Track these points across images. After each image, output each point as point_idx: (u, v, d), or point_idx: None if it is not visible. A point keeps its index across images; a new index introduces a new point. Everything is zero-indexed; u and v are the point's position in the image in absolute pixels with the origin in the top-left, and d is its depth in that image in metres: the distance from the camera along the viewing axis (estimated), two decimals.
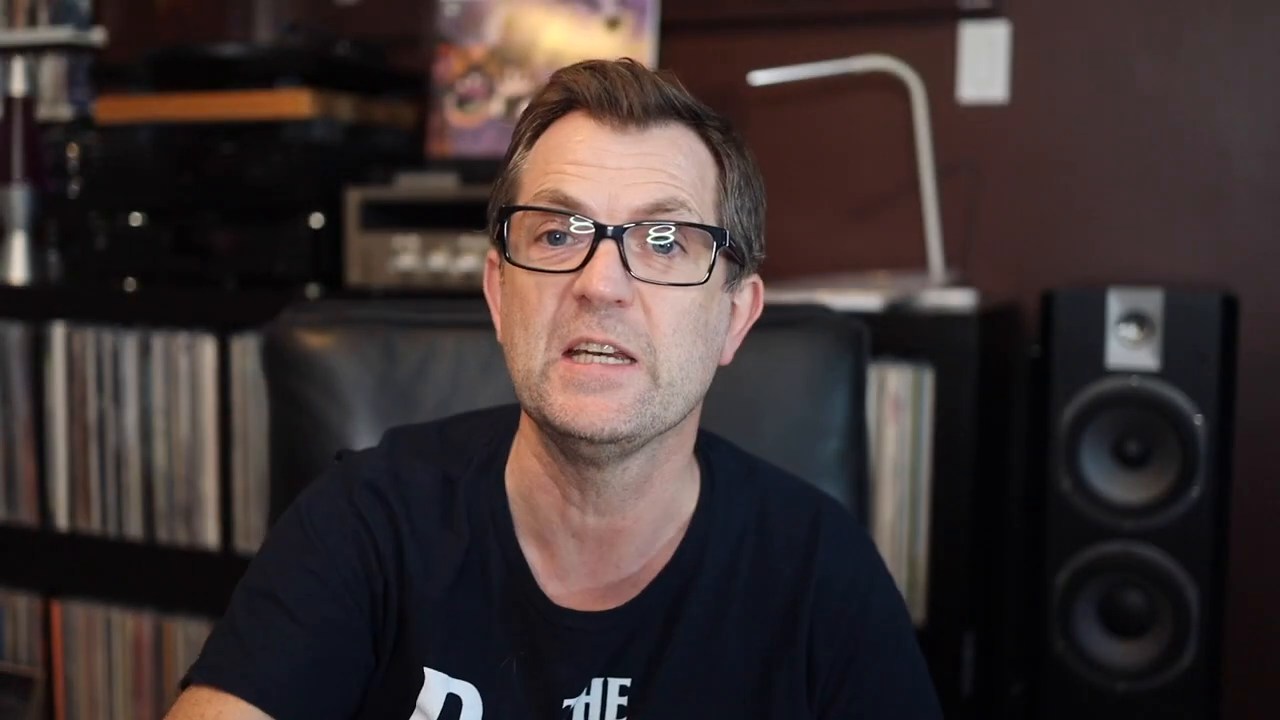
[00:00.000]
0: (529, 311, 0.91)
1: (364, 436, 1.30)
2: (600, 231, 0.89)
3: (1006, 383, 2.08)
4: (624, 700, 0.97)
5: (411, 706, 0.97)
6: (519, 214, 0.93)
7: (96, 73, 2.73)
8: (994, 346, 1.93)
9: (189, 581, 2.24)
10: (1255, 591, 2.05)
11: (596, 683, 0.97)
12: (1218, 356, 1.71)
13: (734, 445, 1.07)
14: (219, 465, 2.20)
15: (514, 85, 2.31)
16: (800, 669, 0.98)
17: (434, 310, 1.37)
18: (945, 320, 1.82)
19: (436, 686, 0.97)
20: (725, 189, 0.95)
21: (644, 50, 2.20)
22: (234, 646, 0.95)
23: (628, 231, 0.89)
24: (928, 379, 1.83)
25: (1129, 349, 1.74)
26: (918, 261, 2.15)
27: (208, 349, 2.20)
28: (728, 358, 0.98)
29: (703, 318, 0.92)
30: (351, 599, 0.97)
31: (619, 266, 0.88)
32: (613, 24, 2.23)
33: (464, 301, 1.36)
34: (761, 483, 1.04)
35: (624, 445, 0.91)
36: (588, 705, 0.97)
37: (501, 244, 0.94)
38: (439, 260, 2.08)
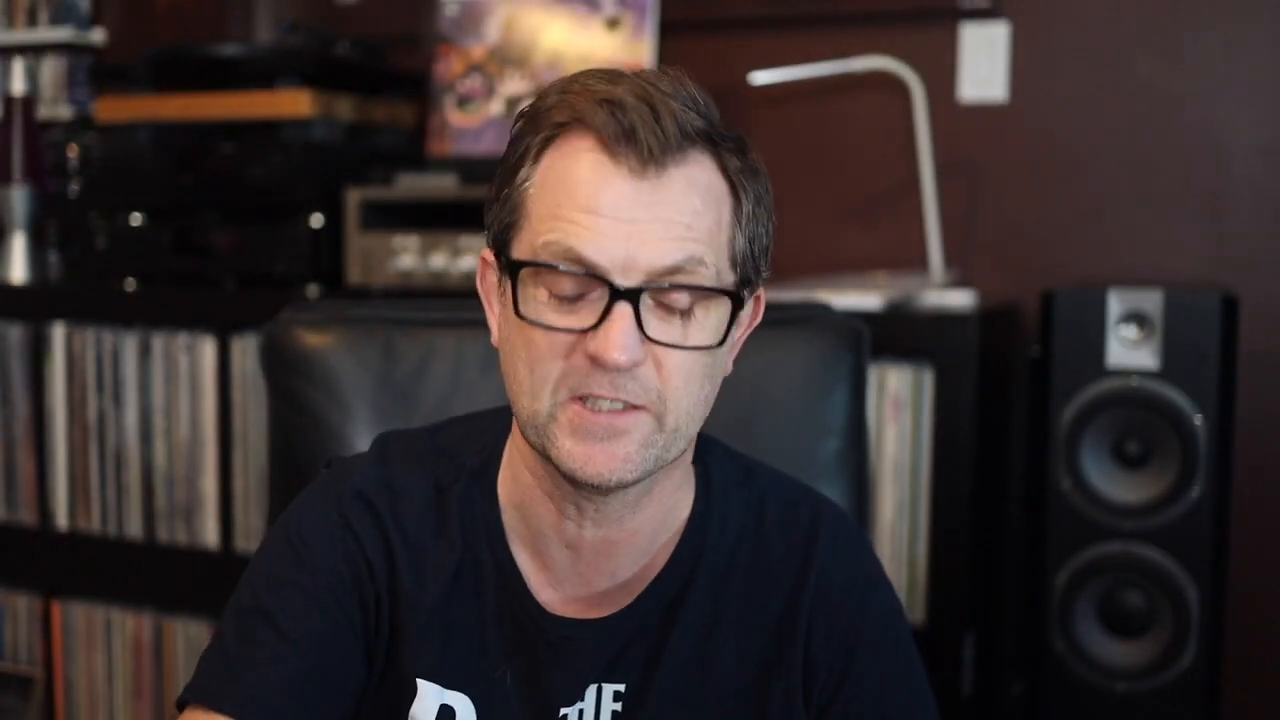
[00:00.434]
0: (536, 357, 0.89)
1: (363, 436, 1.30)
2: (615, 293, 0.85)
3: (1006, 383, 2.08)
4: (618, 706, 0.96)
5: (404, 718, 0.96)
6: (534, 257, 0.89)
7: (96, 73, 2.73)
8: (994, 346, 1.93)
9: (189, 581, 2.24)
10: (1255, 591, 2.05)
11: (591, 689, 0.97)
12: (1218, 356, 1.71)
13: (730, 448, 1.07)
14: (219, 465, 2.20)
15: (514, 85, 2.31)
16: (797, 672, 0.97)
17: (434, 310, 1.37)
18: (945, 320, 1.82)
19: (429, 698, 0.96)
20: (740, 222, 0.91)
21: (644, 50, 2.20)
22: (225, 665, 0.95)
23: (644, 294, 0.86)
24: (928, 379, 1.83)
25: (1129, 349, 1.74)
26: (918, 261, 2.15)
27: (208, 349, 2.20)
28: (728, 368, 0.97)
29: (712, 363, 0.91)
30: (341, 613, 0.96)
31: (634, 331, 0.85)
32: (613, 24, 2.23)
33: (464, 301, 1.36)
34: (758, 485, 1.04)
35: (628, 488, 0.91)
36: (582, 711, 0.96)
37: (511, 290, 0.90)
38: (439, 260, 2.08)
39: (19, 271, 2.45)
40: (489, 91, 2.33)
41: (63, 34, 2.77)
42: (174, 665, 2.27)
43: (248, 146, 2.23)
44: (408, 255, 2.11)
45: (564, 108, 0.89)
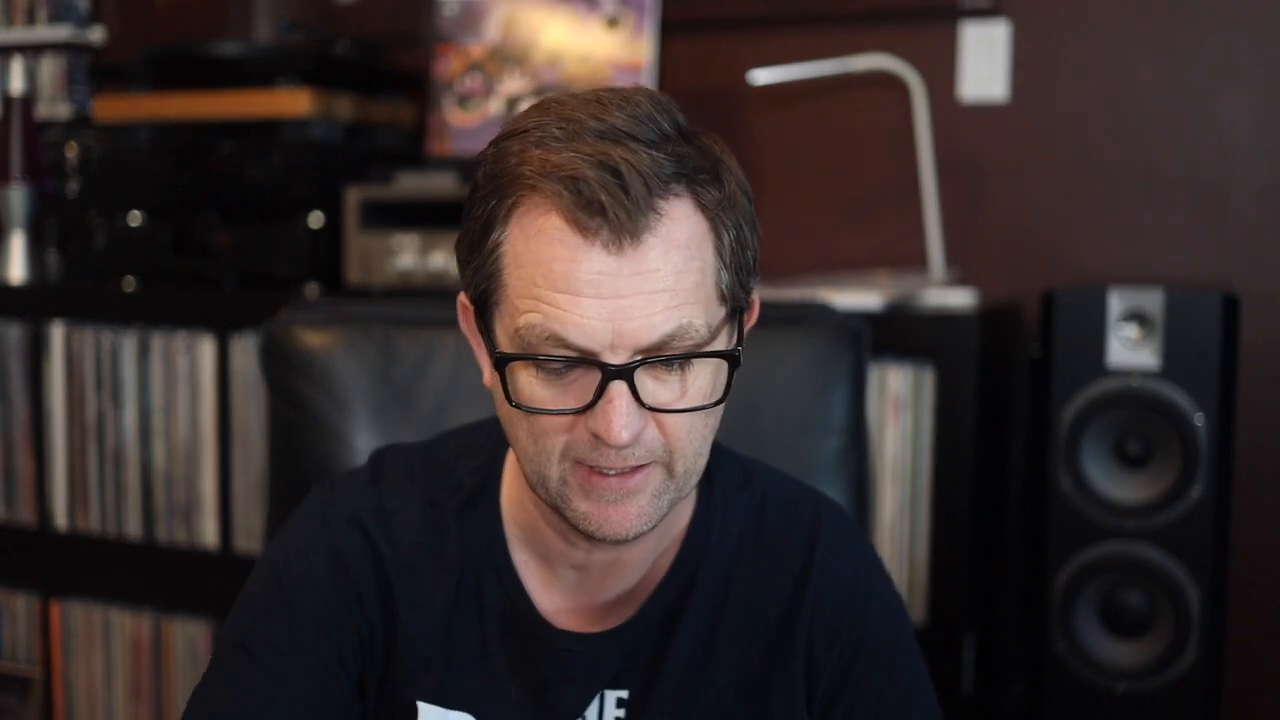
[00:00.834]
0: (538, 431, 0.87)
1: (362, 435, 1.30)
2: (609, 373, 0.83)
3: (1006, 383, 2.08)
4: (621, 713, 0.96)
5: None
6: (514, 336, 0.86)
7: (95, 72, 2.73)
8: (994, 346, 1.92)
9: (188, 581, 2.24)
10: (1255, 591, 2.05)
11: (595, 698, 0.97)
12: (1218, 356, 1.71)
13: (729, 449, 1.06)
14: (218, 465, 2.20)
15: (514, 84, 2.31)
16: (799, 675, 0.97)
17: (433, 309, 1.37)
18: (945, 320, 1.82)
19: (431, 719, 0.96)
20: (724, 258, 0.87)
21: (644, 49, 2.20)
22: (210, 705, 0.95)
23: (636, 370, 0.84)
24: (928, 379, 1.82)
25: (1129, 349, 1.74)
26: (918, 261, 2.15)
27: (207, 349, 2.19)
28: None
29: (721, 403, 0.89)
30: (330, 647, 0.96)
31: (632, 405, 0.84)
32: (613, 23, 2.23)
33: None
34: (758, 487, 1.03)
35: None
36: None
37: (500, 381, 0.87)
38: (438, 259, 2.08)
39: (18, 271, 2.45)
40: (489, 90, 2.33)
41: (61, 33, 2.76)
42: (173, 665, 2.27)
43: (247, 146, 2.23)
44: (407, 255, 2.10)
45: (520, 182, 0.85)
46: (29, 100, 2.50)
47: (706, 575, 0.98)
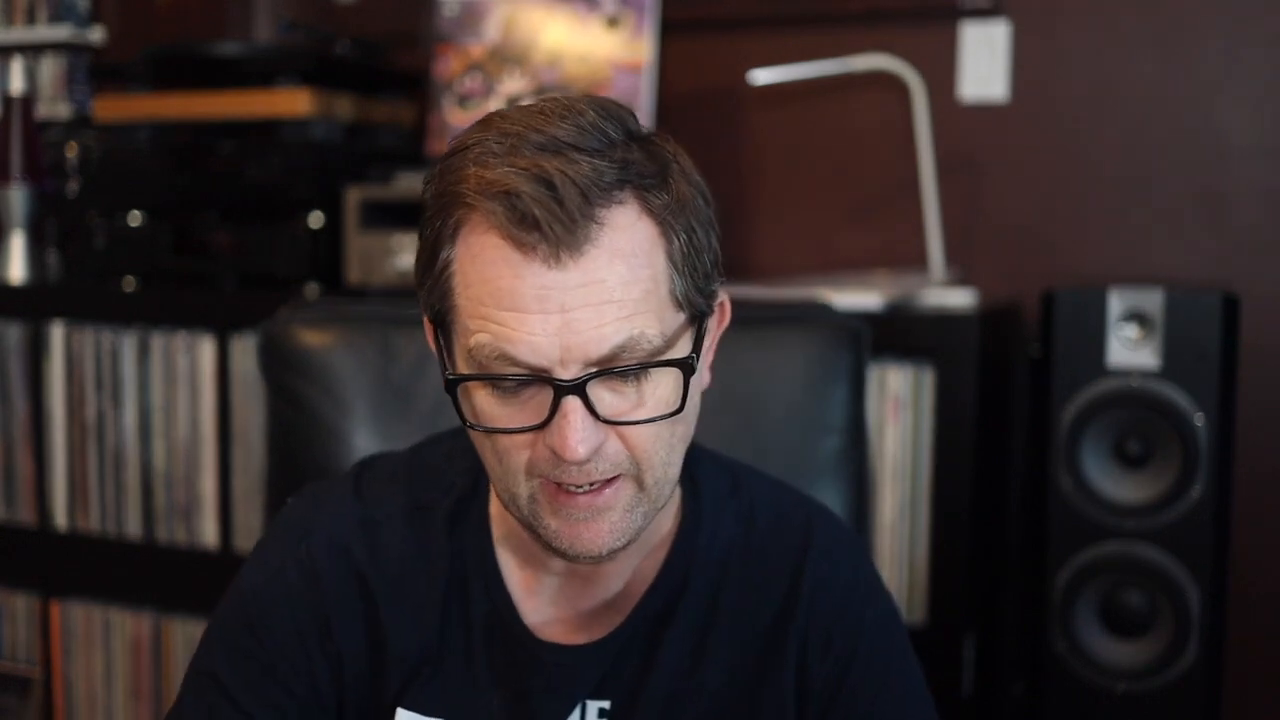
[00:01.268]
0: (500, 450, 0.87)
1: (362, 434, 1.30)
2: (560, 389, 0.82)
3: (1006, 383, 2.08)
4: None
5: None
6: (467, 355, 0.85)
7: (95, 72, 2.73)
8: (994, 346, 1.92)
9: (188, 581, 2.24)
10: (1255, 591, 2.05)
11: (576, 708, 0.96)
12: (1218, 356, 1.71)
13: (716, 454, 1.05)
14: (218, 465, 2.20)
15: (514, 84, 2.31)
16: (790, 685, 0.96)
17: None
18: (945, 320, 1.82)
19: None
20: (675, 262, 0.85)
21: (644, 49, 2.20)
22: None
23: (589, 383, 0.82)
24: (928, 379, 1.82)
25: (1129, 349, 1.73)
26: (918, 261, 2.15)
27: (207, 349, 2.19)
28: (706, 381, 0.94)
29: (680, 413, 0.87)
30: (300, 681, 0.95)
31: (587, 419, 0.82)
32: (613, 23, 2.23)
33: None
34: (747, 496, 1.02)
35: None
36: None
37: (453, 400, 0.87)
38: None
39: (18, 271, 2.45)
40: (489, 90, 2.33)
41: (61, 33, 2.76)
42: (173, 665, 2.27)
43: (247, 146, 2.22)
44: (407, 254, 2.10)
45: (460, 201, 0.83)
46: (29, 100, 2.50)
47: (695, 584, 0.97)
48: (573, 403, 0.82)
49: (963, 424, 1.80)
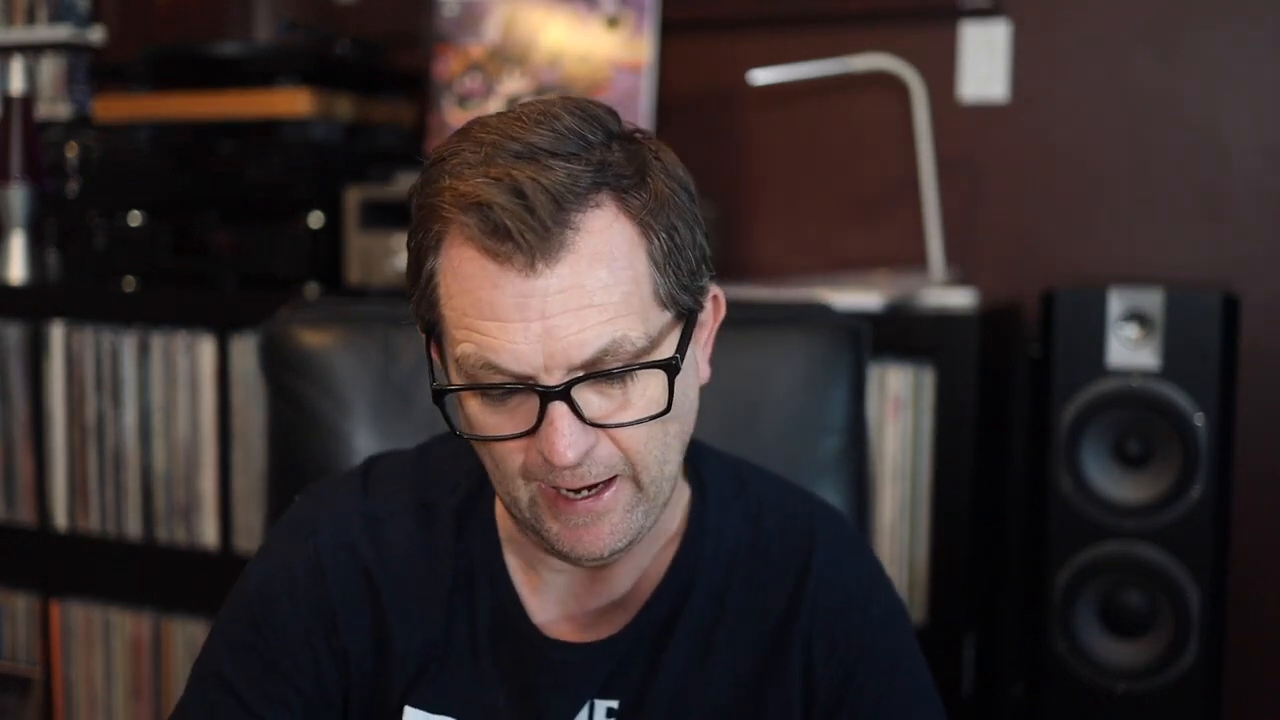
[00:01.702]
0: (496, 456, 0.87)
1: (362, 434, 1.30)
2: (546, 395, 0.82)
3: (1006, 383, 2.08)
4: None
5: None
6: (455, 365, 0.86)
7: (95, 71, 2.72)
8: (994, 346, 1.92)
9: (188, 581, 2.24)
10: (1255, 591, 2.05)
11: (584, 707, 0.96)
12: (1218, 356, 1.71)
13: (723, 454, 1.05)
14: (218, 465, 2.20)
15: (514, 84, 2.31)
16: (796, 685, 0.96)
17: None
18: (945, 320, 1.82)
19: None
20: (657, 262, 0.85)
21: (644, 49, 2.20)
22: None
23: (575, 387, 0.83)
24: (928, 379, 1.82)
25: (1129, 348, 1.73)
26: (918, 261, 2.15)
27: (207, 349, 2.19)
28: (706, 375, 0.94)
29: (672, 410, 0.86)
30: (306, 678, 0.95)
31: (575, 424, 0.83)
32: (613, 23, 2.23)
33: None
34: (754, 495, 1.02)
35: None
36: None
37: (441, 410, 0.88)
38: None
39: (18, 271, 2.45)
40: (489, 90, 2.33)
41: (61, 33, 2.76)
42: (173, 665, 2.27)
43: (247, 146, 2.22)
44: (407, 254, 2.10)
45: (437, 214, 0.84)
46: (29, 100, 2.50)
47: (701, 585, 0.97)
48: (559, 408, 0.82)
49: (963, 424, 1.80)
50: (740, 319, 1.33)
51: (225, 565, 2.19)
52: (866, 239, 2.28)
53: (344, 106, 2.26)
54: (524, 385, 0.83)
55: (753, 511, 1.01)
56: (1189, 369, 1.71)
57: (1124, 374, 1.73)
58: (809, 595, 0.97)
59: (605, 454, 0.85)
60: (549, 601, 0.98)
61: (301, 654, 0.95)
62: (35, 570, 2.37)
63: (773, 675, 0.96)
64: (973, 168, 2.21)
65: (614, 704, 0.95)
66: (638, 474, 0.87)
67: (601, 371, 0.83)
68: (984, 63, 2.19)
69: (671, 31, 2.25)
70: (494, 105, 2.32)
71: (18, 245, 2.46)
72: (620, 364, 0.83)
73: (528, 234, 0.80)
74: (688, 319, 0.88)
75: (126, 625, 2.30)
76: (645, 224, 0.84)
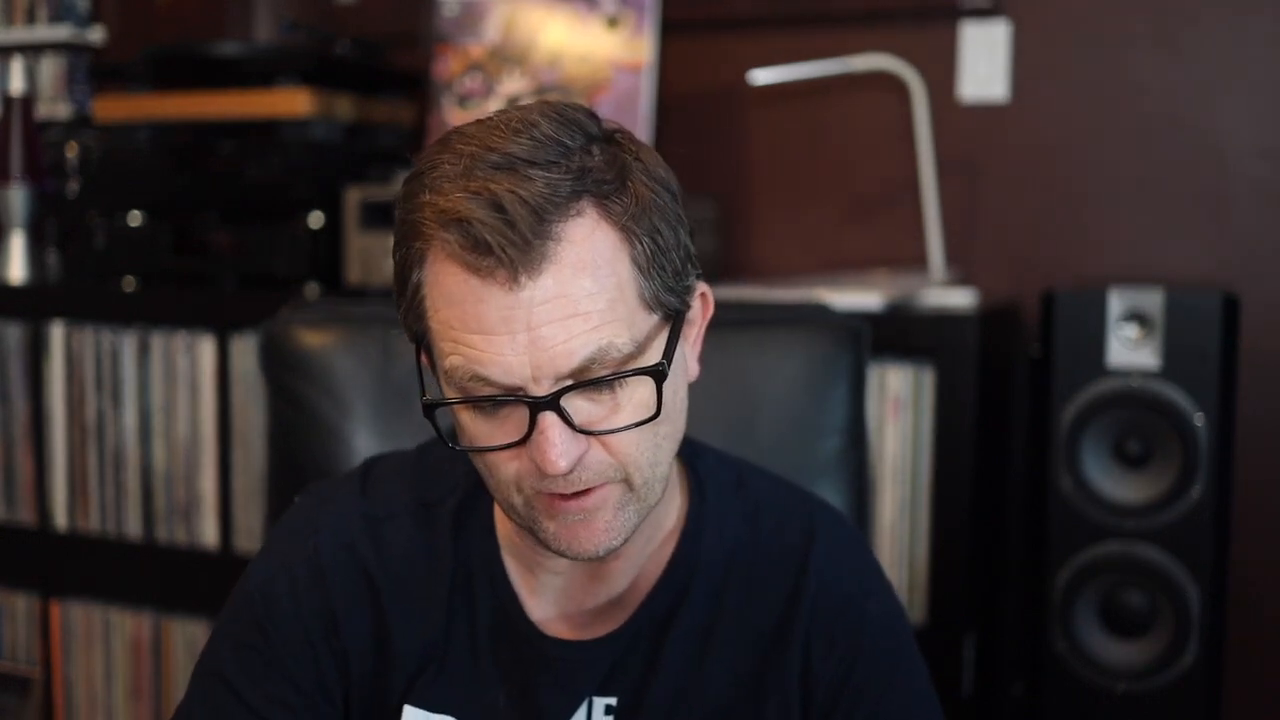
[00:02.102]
0: (489, 465, 0.88)
1: (362, 434, 1.30)
2: (535, 405, 0.83)
3: (1006, 383, 2.08)
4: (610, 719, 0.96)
5: None
6: (445, 377, 0.86)
7: (95, 72, 2.72)
8: (994, 346, 1.92)
9: (188, 581, 2.24)
10: (1255, 591, 2.05)
11: (582, 705, 0.96)
12: (1218, 356, 1.71)
13: (721, 453, 1.05)
14: (218, 465, 2.20)
15: (514, 84, 2.31)
16: (794, 684, 0.96)
17: None
18: (945, 320, 1.82)
19: None
20: (641, 266, 0.84)
21: (644, 49, 2.20)
22: None
23: (565, 395, 0.83)
24: (928, 379, 1.82)
25: (1129, 349, 1.73)
26: (918, 261, 2.15)
27: (207, 349, 2.19)
28: (695, 373, 0.94)
29: (662, 413, 0.86)
30: (307, 677, 0.95)
31: (565, 433, 0.83)
32: (613, 23, 2.23)
33: None
34: (752, 493, 1.02)
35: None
36: None
37: (432, 423, 0.88)
38: None
39: (18, 271, 2.45)
40: (489, 90, 2.33)
41: (61, 33, 2.76)
42: (173, 665, 2.27)
43: (247, 146, 2.22)
44: None
45: (418, 230, 0.84)
46: (29, 100, 2.50)
47: (699, 583, 0.98)
48: (549, 418, 0.83)
49: (963, 424, 1.80)
50: (740, 319, 1.33)
51: (225, 565, 2.19)
52: (866, 239, 2.28)
53: (344, 106, 2.26)
54: (513, 397, 0.83)
55: (751, 510, 1.01)
56: (1189, 369, 1.71)
57: (1124, 374, 1.73)
58: (807, 594, 0.97)
59: (596, 460, 0.86)
60: (547, 600, 0.98)
61: (302, 654, 0.95)
62: (35, 570, 2.37)
63: (771, 674, 0.96)
64: (973, 168, 2.21)
65: (612, 701, 0.96)
66: (629, 476, 0.87)
67: (590, 380, 0.83)
68: (984, 63, 2.19)
69: (671, 31, 2.25)
70: (494, 105, 2.32)
71: (18, 245, 2.46)
72: (608, 371, 0.83)
73: (509, 248, 0.80)
74: (675, 320, 0.88)
75: (126, 625, 2.30)
76: (627, 229, 0.84)
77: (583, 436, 0.84)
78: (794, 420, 1.31)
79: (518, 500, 0.88)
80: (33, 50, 2.80)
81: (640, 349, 0.85)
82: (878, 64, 2.10)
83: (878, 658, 0.98)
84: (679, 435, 0.92)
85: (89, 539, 2.31)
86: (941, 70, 2.20)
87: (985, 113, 2.21)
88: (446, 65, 2.36)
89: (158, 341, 2.24)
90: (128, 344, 2.26)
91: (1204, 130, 2.10)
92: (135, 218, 2.31)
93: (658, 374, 0.85)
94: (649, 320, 0.86)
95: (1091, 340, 1.74)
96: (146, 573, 2.27)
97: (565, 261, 0.81)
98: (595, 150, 0.85)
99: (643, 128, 2.15)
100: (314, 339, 1.34)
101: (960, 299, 1.87)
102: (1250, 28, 2.07)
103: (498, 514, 0.99)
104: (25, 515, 2.37)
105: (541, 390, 0.82)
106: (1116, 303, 1.73)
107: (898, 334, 1.81)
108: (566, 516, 0.87)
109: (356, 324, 1.35)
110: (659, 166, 0.89)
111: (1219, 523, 1.73)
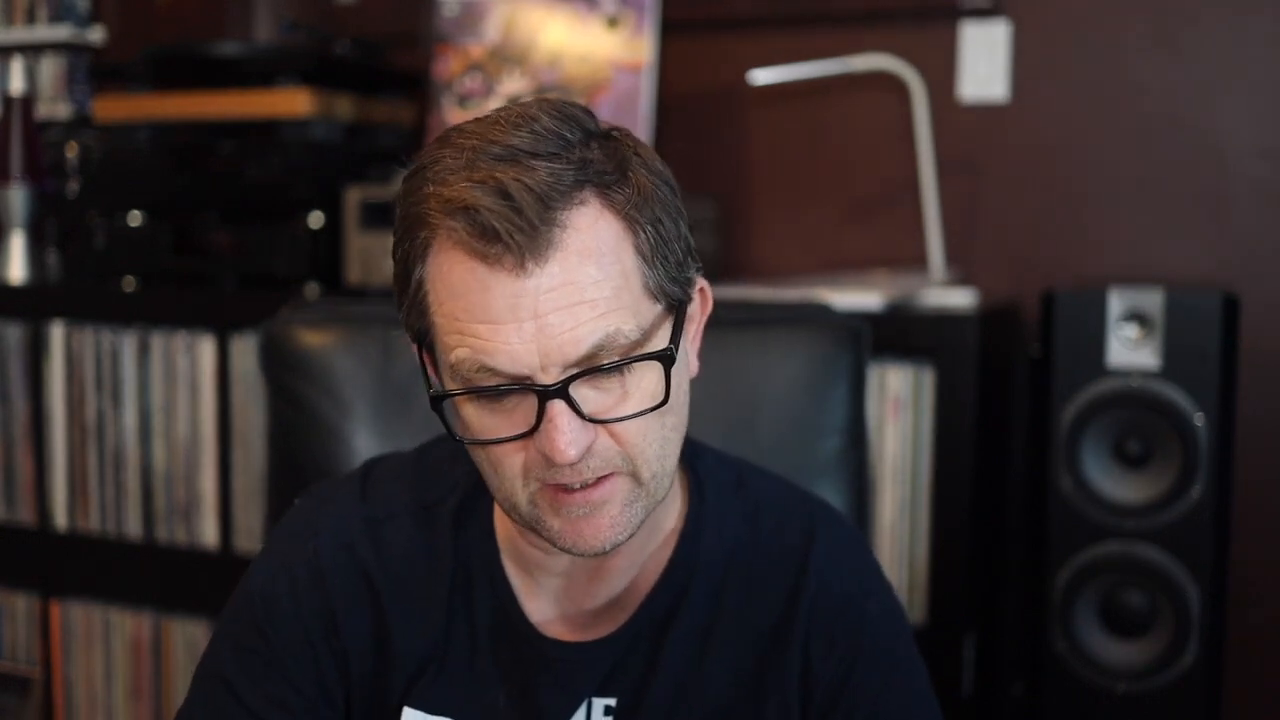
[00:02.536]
0: (494, 460, 0.87)
1: (362, 434, 1.30)
2: (544, 394, 0.82)
3: (1006, 383, 2.08)
4: None
5: None
6: (450, 372, 0.86)
7: (95, 71, 2.72)
8: (994, 346, 1.92)
9: (188, 581, 2.24)
10: (1255, 591, 2.05)
11: (581, 706, 0.96)
12: (1219, 356, 1.71)
13: (721, 453, 1.05)
14: (218, 465, 2.20)
15: (514, 84, 2.31)
16: (794, 684, 0.96)
17: None
18: (945, 320, 1.82)
19: None
20: (645, 255, 0.85)
21: (644, 49, 2.20)
22: None
23: (573, 384, 0.83)
24: (928, 379, 1.82)
25: (1129, 348, 1.73)
26: (918, 261, 2.15)
27: (207, 349, 2.19)
28: (695, 369, 0.94)
29: (665, 404, 0.87)
30: (308, 679, 0.95)
31: (574, 421, 0.83)
32: (613, 23, 2.23)
33: None
34: (752, 493, 1.02)
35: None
36: None
37: (440, 416, 0.88)
38: None
39: (17, 271, 2.45)
40: (489, 90, 2.33)
41: (61, 33, 2.76)
42: (173, 665, 2.27)
43: (247, 146, 2.22)
44: None
45: (422, 221, 0.84)
46: (29, 100, 2.50)
47: (699, 584, 0.98)
48: (557, 406, 0.82)
49: (963, 424, 1.80)
50: (740, 319, 1.33)
51: (225, 565, 2.19)
52: (866, 239, 2.28)
53: (344, 106, 2.26)
54: (521, 386, 0.83)
55: (750, 510, 1.01)
56: (1189, 369, 1.71)
57: (1124, 374, 1.73)
58: (807, 594, 0.97)
59: (604, 449, 0.86)
60: (547, 601, 0.98)
61: (302, 655, 0.96)
62: (35, 570, 2.37)
63: (770, 674, 0.96)
64: (973, 168, 2.21)
65: (611, 702, 0.96)
66: (637, 469, 0.87)
67: (598, 367, 0.83)
68: (984, 63, 2.19)
69: (671, 31, 2.25)
70: (494, 105, 2.32)
71: (18, 245, 2.46)
72: (615, 358, 0.83)
73: (516, 234, 0.80)
74: (678, 311, 0.89)
75: (126, 625, 2.30)
76: (630, 218, 0.85)
77: (591, 425, 0.84)
78: (794, 420, 1.31)
79: (522, 497, 0.88)
80: (33, 50, 2.80)
81: (646, 337, 0.85)
82: (878, 64, 2.10)
83: (877, 658, 0.98)
84: (683, 430, 0.92)
85: (89, 539, 2.31)
86: (941, 70, 2.20)
87: (985, 113, 2.21)
88: (446, 65, 2.36)
89: (158, 341, 2.24)
90: (128, 344, 2.26)
91: (1204, 130, 2.10)
92: (135, 218, 2.31)
93: (666, 358, 0.85)
94: (653, 309, 0.86)
95: (1091, 340, 1.74)
96: (146, 573, 2.27)
97: (571, 248, 0.82)
98: (594, 145, 0.85)
99: (643, 128, 2.15)
100: (314, 339, 1.34)
101: (960, 299, 1.87)
102: (1250, 28, 2.07)
103: (497, 515, 0.99)
104: (25, 515, 2.37)
105: (549, 379, 0.82)
106: (1116, 303, 1.73)
107: (898, 334, 1.81)
108: (572, 511, 0.87)
109: (356, 324, 1.35)
110: (656, 161, 0.89)
111: (1219, 523, 1.73)
